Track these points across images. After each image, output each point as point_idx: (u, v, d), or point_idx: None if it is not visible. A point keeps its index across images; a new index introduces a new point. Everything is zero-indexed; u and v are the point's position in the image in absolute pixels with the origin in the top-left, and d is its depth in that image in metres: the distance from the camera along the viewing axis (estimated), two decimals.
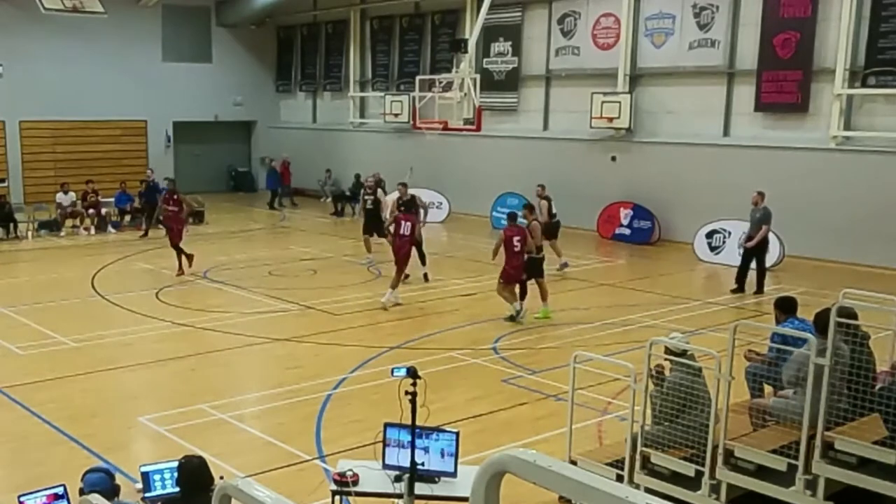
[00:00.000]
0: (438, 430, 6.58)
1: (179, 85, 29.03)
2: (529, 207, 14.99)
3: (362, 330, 13.08)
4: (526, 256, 13.46)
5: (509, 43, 24.36)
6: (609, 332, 12.84)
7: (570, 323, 13.48)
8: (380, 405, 8.67)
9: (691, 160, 20.49)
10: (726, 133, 20.38)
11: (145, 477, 6.28)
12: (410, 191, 17.07)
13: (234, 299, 15.14)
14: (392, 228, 14.96)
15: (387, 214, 17.77)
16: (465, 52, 20.43)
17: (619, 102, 21.41)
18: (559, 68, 23.41)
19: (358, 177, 23.06)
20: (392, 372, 6.46)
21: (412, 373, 6.25)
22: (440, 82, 20.40)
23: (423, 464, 6.21)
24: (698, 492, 6.63)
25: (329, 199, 27.86)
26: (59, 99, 26.77)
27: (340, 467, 6.59)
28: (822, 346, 6.33)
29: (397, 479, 6.29)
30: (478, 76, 20.98)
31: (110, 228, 22.87)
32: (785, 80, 19.06)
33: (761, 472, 6.52)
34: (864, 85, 18.17)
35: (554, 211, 17.73)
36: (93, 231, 22.57)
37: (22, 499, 5.51)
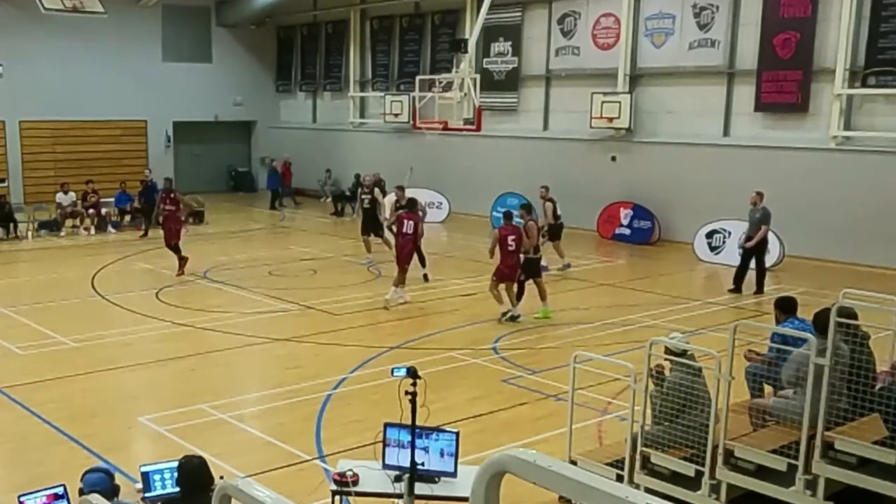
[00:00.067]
0: (438, 430, 6.58)
1: (179, 85, 29.03)
2: (527, 207, 14.98)
3: (362, 330, 13.08)
4: (523, 257, 13.48)
5: (509, 43, 24.36)
6: (609, 332, 12.84)
7: (570, 323, 13.48)
8: (380, 405, 8.66)
9: (691, 160, 20.49)
10: (726, 133, 20.38)
11: (145, 477, 6.28)
12: (410, 192, 17.07)
13: (234, 299, 15.14)
14: (395, 228, 15.01)
15: (387, 214, 17.79)
16: (465, 52, 20.43)
17: (619, 102, 21.42)
18: (559, 68, 23.42)
19: (358, 177, 23.07)
20: (392, 372, 6.46)
21: (412, 373, 6.25)
22: (440, 82, 20.40)
23: (423, 464, 6.21)
24: (698, 492, 6.63)
25: (329, 199, 27.87)
26: (59, 99, 26.77)
27: (340, 467, 6.59)
28: (821, 346, 6.33)
29: (397, 479, 6.29)
30: (478, 76, 20.98)
31: (110, 228, 22.88)
32: (785, 80, 19.06)
33: (761, 472, 6.52)
34: (864, 85, 18.17)
35: (559, 213, 17.72)
36: (93, 231, 22.57)
37: (22, 499, 5.51)
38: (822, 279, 16.22)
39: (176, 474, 5.72)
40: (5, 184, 25.58)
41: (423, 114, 21.28)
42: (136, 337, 12.68)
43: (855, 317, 6.79)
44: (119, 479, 6.00)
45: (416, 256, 15.54)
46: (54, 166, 27.07)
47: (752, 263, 15.58)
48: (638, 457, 6.88)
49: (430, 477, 6.31)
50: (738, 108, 20.15)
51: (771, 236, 16.15)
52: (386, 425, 6.47)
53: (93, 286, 16.01)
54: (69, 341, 12.30)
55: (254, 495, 2.62)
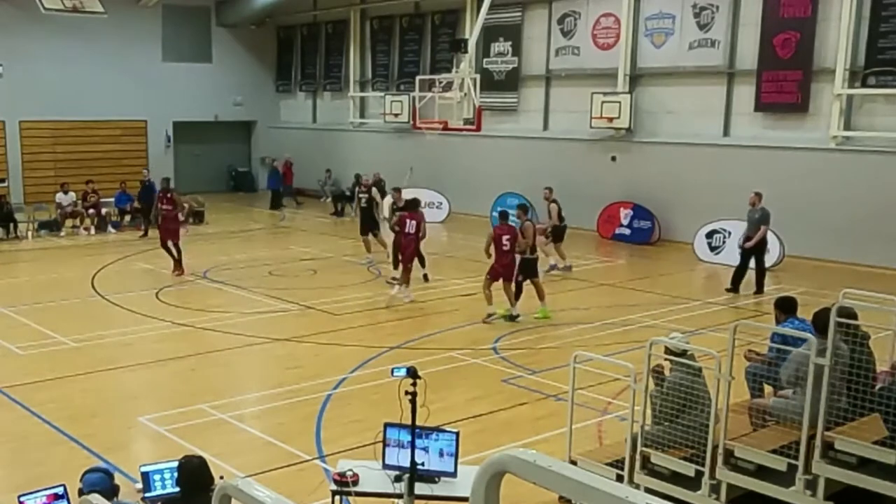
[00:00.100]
0: (438, 430, 6.58)
1: (179, 85, 29.03)
2: (523, 208, 14.97)
3: (362, 330, 13.08)
4: (520, 257, 13.48)
5: (509, 43, 24.36)
6: (609, 332, 12.84)
7: (570, 323, 13.48)
8: (380, 405, 8.66)
9: (691, 160, 20.48)
10: (726, 133, 20.38)
11: (145, 477, 6.28)
12: (411, 192, 17.07)
13: (234, 299, 15.15)
14: (397, 228, 15.07)
15: (385, 214, 17.80)
16: (465, 52, 20.43)
17: (619, 102, 21.41)
18: (559, 68, 23.41)
19: (358, 177, 23.02)
20: (392, 372, 6.46)
21: (412, 373, 6.25)
22: (440, 82, 20.40)
23: (423, 464, 6.21)
24: (698, 492, 6.63)
25: (329, 199, 27.87)
26: (59, 99, 26.77)
27: (340, 467, 6.59)
28: (821, 346, 6.33)
29: (397, 479, 6.29)
30: (478, 76, 20.98)
31: (110, 228, 22.88)
32: (785, 80, 19.06)
33: (761, 472, 6.52)
34: (864, 85, 18.17)
35: (563, 214, 17.67)
36: (93, 231, 22.57)
37: (22, 499, 5.51)
38: (822, 279, 16.22)
39: (176, 474, 5.72)
40: (5, 184, 25.59)
41: (423, 114, 21.28)
42: (136, 337, 12.69)
43: (855, 317, 6.79)
44: (119, 479, 6.00)
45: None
46: (54, 166, 27.07)
47: (752, 264, 15.58)
48: (638, 457, 6.88)
49: (430, 477, 6.31)
50: (738, 108, 20.15)
51: (771, 236, 16.16)
52: (386, 425, 6.47)
53: (93, 286, 16.01)
54: (69, 341, 12.30)
55: (254, 495, 2.62)
